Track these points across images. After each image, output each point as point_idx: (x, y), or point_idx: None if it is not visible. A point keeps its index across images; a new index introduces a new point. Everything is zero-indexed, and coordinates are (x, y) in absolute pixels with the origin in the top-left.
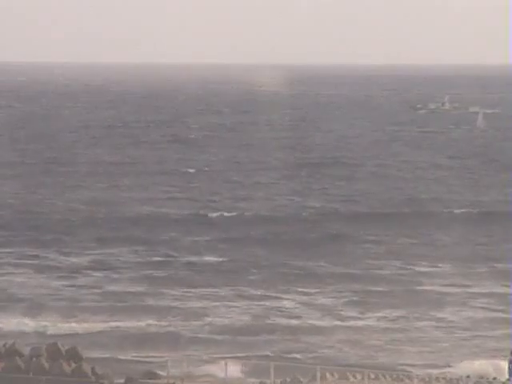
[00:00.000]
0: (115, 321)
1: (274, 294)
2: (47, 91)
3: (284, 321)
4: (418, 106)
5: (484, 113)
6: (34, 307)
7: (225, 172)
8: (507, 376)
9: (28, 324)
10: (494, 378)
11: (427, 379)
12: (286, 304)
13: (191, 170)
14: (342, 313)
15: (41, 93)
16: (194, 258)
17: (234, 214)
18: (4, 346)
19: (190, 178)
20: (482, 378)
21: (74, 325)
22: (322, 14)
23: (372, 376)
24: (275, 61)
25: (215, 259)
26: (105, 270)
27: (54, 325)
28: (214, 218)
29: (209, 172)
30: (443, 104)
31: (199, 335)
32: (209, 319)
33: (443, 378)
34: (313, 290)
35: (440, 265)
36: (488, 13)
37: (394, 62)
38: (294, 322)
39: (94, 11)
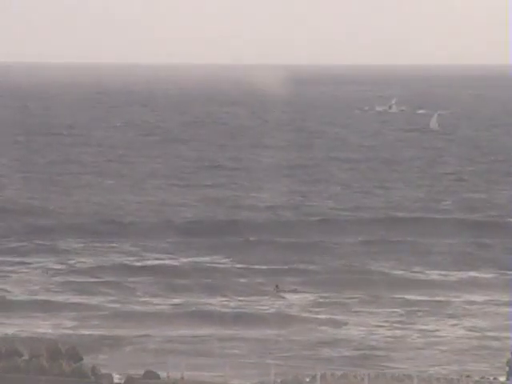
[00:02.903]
0: None
1: None
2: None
3: None
4: (365, 108)
5: (439, 114)
6: None
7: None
8: (507, 376)
9: None
10: (495, 378)
11: (427, 379)
12: None
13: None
14: None
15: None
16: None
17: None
18: (4, 345)
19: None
20: (482, 377)
21: None
22: (321, 14)
23: (372, 376)
24: (275, 61)
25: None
26: None
27: None
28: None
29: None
30: (390, 107)
31: None
32: None
33: (443, 378)
34: None
35: None
36: (488, 13)
37: (397, 62)
38: None
39: (94, 11)
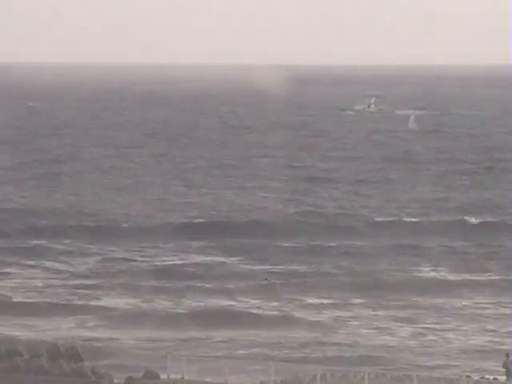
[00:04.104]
0: None
1: None
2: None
3: None
4: (345, 107)
5: (416, 114)
6: None
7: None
8: (507, 377)
9: None
10: (495, 378)
11: (427, 379)
12: None
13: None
14: None
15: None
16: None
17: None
18: (4, 345)
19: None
20: (482, 377)
21: None
22: (322, 15)
23: (372, 376)
24: (275, 61)
25: None
26: None
27: None
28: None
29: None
30: (369, 106)
31: None
32: None
33: (443, 378)
34: None
35: None
36: (488, 13)
37: (399, 63)
38: None
39: (94, 11)
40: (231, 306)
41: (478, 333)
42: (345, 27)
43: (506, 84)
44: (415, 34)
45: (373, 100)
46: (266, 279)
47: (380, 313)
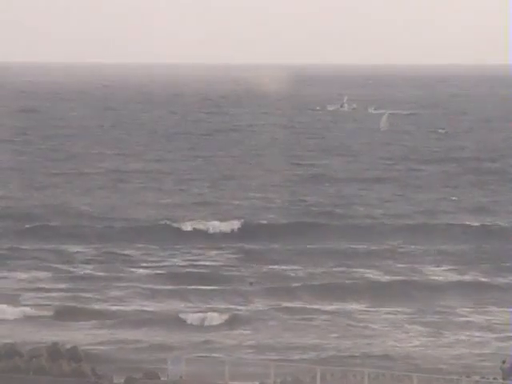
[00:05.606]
0: None
1: None
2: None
3: None
4: (317, 107)
5: (389, 114)
6: None
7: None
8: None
9: None
10: (495, 378)
11: (427, 379)
12: None
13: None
14: None
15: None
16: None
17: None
18: (4, 346)
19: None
20: (482, 377)
21: None
22: (322, 14)
23: (372, 376)
24: (275, 61)
25: None
26: None
27: None
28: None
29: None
30: (342, 105)
31: None
32: None
33: (443, 378)
34: None
35: None
36: (488, 13)
37: (396, 62)
38: None
39: (93, 11)
40: (238, 308)
41: None
42: (345, 27)
43: (505, 84)
44: (415, 33)
45: (345, 99)
46: (251, 283)
47: (391, 316)
